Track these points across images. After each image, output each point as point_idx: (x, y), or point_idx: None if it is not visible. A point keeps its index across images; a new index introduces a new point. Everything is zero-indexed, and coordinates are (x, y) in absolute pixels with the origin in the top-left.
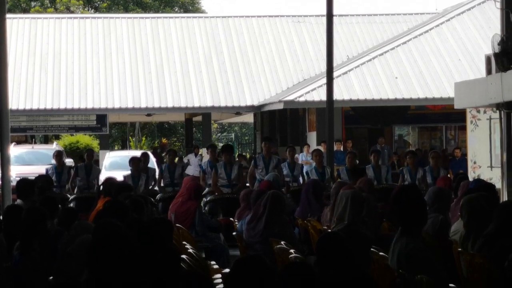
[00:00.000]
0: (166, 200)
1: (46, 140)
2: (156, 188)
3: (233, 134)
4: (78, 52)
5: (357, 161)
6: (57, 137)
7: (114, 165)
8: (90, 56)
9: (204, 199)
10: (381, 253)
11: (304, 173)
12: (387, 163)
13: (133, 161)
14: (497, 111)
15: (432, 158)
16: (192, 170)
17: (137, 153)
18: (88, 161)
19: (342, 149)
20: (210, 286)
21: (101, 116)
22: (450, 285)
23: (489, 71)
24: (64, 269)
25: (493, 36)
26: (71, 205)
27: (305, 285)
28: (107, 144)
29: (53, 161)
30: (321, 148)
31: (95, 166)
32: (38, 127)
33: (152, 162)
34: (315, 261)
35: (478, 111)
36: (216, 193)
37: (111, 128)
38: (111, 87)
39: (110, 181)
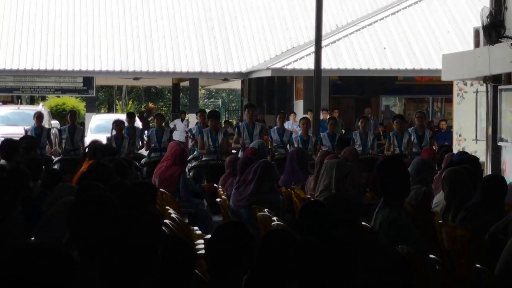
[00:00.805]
0: (151, 165)
1: (33, 101)
2: (143, 150)
3: (220, 101)
4: (67, 14)
5: (343, 131)
6: (44, 99)
7: (100, 128)
8: (79, 18)
9: (189, 165)
10: (363, 223)
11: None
12: (373, 133)
13: (116, 123)
14: (484, 84)
15: (418, 118)
16: (178, 135)
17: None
18: (71, 123)
19: (327, 117)
20: (190, 251)
21: (88, 79)
22: (431, 256)
23: (477, 44)
24: (46, 230)
25: (482, 9)
26: (56, 166)
27: (285, 252)
28: (94, 107)
29: (34, 122)
30: (308, 116)
31: (79, 127)
32: (24, 87)
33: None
34: (297, 228)
35: (465, 84)
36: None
37: (98, 91)
38: (99, 50)
39: (95, 143)
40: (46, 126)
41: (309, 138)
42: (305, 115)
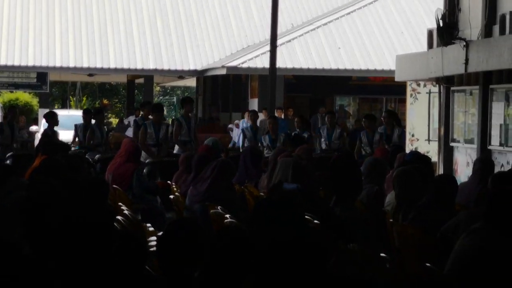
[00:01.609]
0: (105, 161)
1: None
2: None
3: (175, 98)
4: (21, 8)
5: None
6: None
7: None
8: (33, 13)
9: (143, 161)
10: (315, 221)
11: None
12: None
13: (86, 112)
14: (437, 85)
15: (385, 118)
16: (132, 132)
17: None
18: (10, 119)
19: (283, 116)
20: (141, 246)
21: (41, 74)
22: (382, 254)
23: (430, 45)
24: None
25: (436, 10)
26: (8, 162)
27: (237, 250)
28: (47, 103)
29: None
30: (262, 115)
31: (17, 124)
32: None
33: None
34: (249, 226)
35: (418, 85)
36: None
37: (51, 86)
38: (53, 46)
39: (48, 139)
40: None
41: (277, 137)
42: (260, 114)
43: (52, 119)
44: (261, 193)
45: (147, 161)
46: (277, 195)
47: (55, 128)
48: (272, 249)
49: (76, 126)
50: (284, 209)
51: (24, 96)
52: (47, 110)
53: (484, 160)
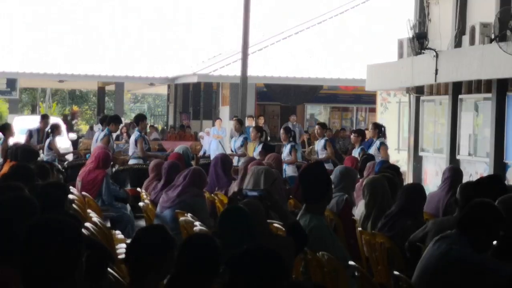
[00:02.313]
0: (74, 168)
1: None
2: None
3: (146, 105)
4: None
5: (268, 138)
6: None
7: (23, 130)
8: (2, 19)
9: (113, 169)
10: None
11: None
12: (298, 141)
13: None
14: (407, 95)
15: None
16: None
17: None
18: None
19: (254, 124)
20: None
21: (11, 80)
22: (350, 262)
23: (400, 55)
24: None
25: (406, 20)
26: None
27: (205, 256)
28: (17, 109)
29: None
30: (232, 122)
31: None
32: None
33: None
34: (215, 232)
35: (389, 94)
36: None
37: (21, 92)
38: (23, 51)
39: (17, 145)
40: None
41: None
42: (230, 121)
43: (8, 131)
44: None
45: (116, 168)
46: (236, 202)
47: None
48: (231, 259)
49: (30, 130)
50: (252, 217)
51: None
52: (16, 116)
53: (453, 170)
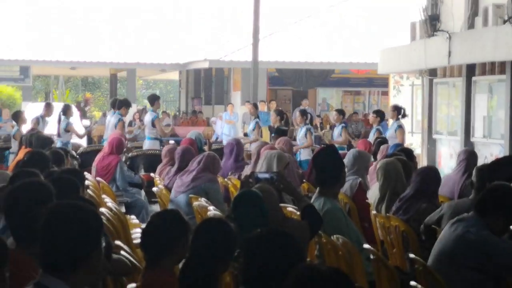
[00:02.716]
0: (88, 154)
1: None
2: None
3: (157, 91)
4: (4, 2)
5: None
6: None
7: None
8: (15, 7)
9: (126, 154)
10: (298, 212)
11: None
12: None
13: (47, 106)
14: (420, 78)
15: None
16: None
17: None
18: None
19: (266, 109)
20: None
21: (24, 68)
22: (365, 245)
23: (413, 38)
24: None
25: (419, 3)
26: None
27: (220, 240)
28: (30, 96)
29: None
30: (245, 108)
31: None
32: None
33: (77, 115)
34: (229, 217)
35: (401, 77)
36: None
37: (34, 80)
38: (35, 39)
39: (31, 132)
40: None
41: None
42: (242, 107)
43: (20, 118)
44: None
45: (130, 154)
46: (248, 186)
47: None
48: (245, 242)
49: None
50: (254, 201)
51: (7, 90)
52: (30, 104)
53: (468, 152)
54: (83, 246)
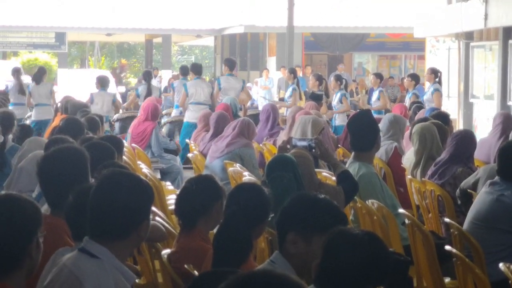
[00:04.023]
0: (124, 120)
1: (4, 57)
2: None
3: (193, 57)
4: None
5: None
6: (16, 54)
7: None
8: None
9: (162, 121)
10: (333, 178)
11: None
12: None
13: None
14: (456, 41)
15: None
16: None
17: (96, 72)
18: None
19: (301, 74)
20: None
21: (60, 34)
22: (400, 210)
23: (449, 1)
24: (16, 183)
25: None
26: (28, 122)
27: (254, 205)
28: (66, 63)
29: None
30: (281, 73)
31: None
32: None
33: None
34: (264, 182)
35: (438, 41)
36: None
37: (70, 46)
38: (71, 5)
39: (67, 98)
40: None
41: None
42: (277, 72)
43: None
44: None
45: (165, 120)
46: (285, 151)
47: None
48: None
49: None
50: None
51: (42, 57)
52: (66, 70)
53: (504, 115)
54: (137, 215)
